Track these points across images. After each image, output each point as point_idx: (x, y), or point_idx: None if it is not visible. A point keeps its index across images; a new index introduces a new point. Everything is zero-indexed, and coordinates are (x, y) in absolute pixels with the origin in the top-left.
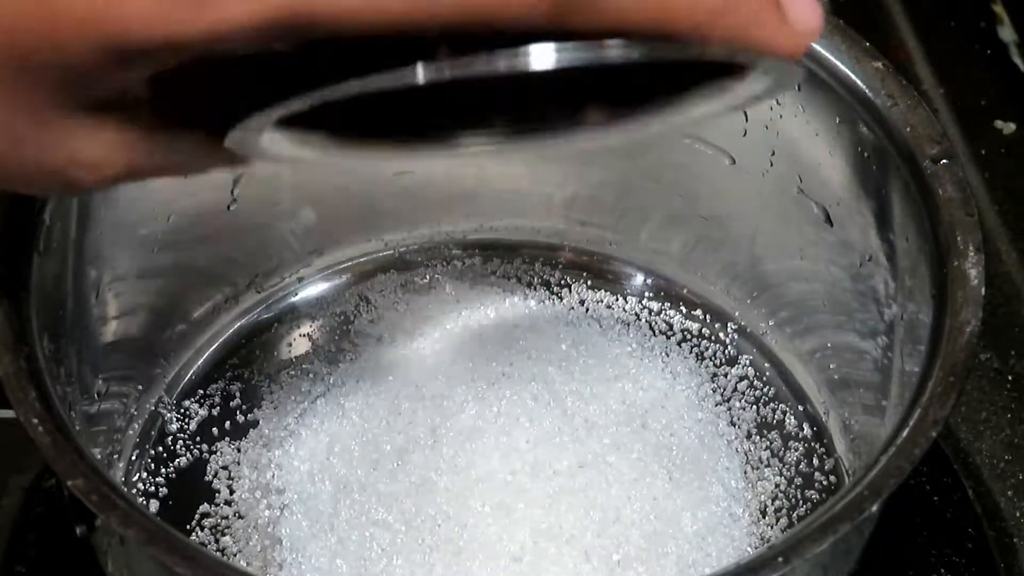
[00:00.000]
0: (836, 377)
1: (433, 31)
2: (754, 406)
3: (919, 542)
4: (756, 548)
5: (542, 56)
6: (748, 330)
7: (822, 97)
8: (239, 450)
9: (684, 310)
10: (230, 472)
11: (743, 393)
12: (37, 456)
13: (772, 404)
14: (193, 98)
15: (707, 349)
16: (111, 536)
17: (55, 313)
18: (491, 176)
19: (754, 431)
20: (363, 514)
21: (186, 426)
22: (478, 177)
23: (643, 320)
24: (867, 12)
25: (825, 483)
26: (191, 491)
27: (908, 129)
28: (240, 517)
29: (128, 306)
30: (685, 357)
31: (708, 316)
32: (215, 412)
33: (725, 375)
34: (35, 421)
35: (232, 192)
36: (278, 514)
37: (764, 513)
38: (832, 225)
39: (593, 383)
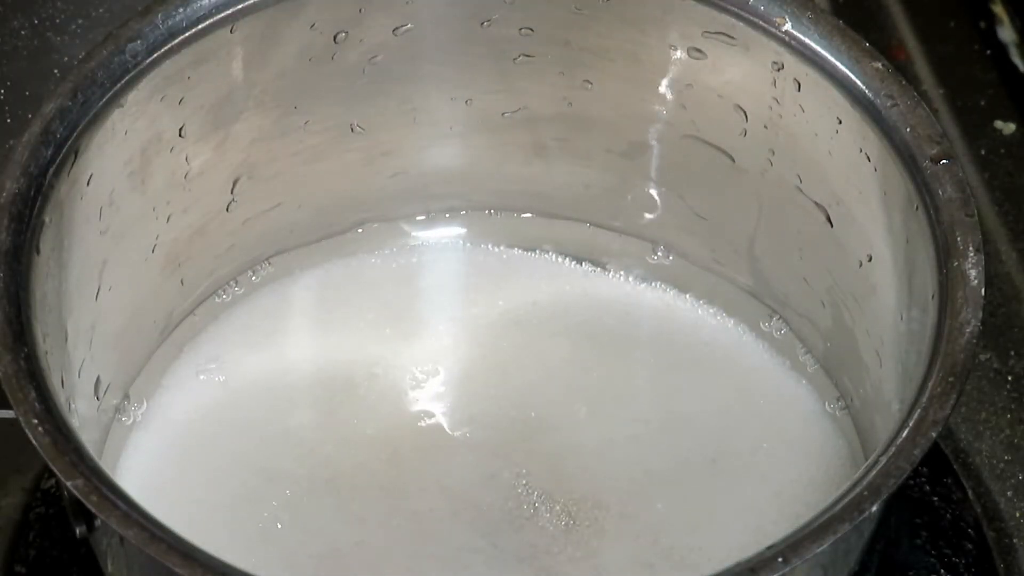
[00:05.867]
0: (835, 377)
1: None
2: None
3: (919, 542)
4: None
5: None
6: (747, 330)
7: (822, 97)
8: None
9: (683, 310)
10: None
11: None
12: (37, 456)
13: None
14: None
15: (706, 350)
16: (111, 536)
17: (55, 313)
18: (488, 177)
19: None
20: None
21: None
22: (475, 177)
23: (642, 320)
24: (867, 12)
25: None
26: None
27: (908, 129)
28: None
29: (128, 306)
30: (685, 358)
31: (707, 316)
32: None
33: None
34: (35, 421)
35: (232, 192)
36: None
37: None
38: (832, 225)
39: (597, 387)
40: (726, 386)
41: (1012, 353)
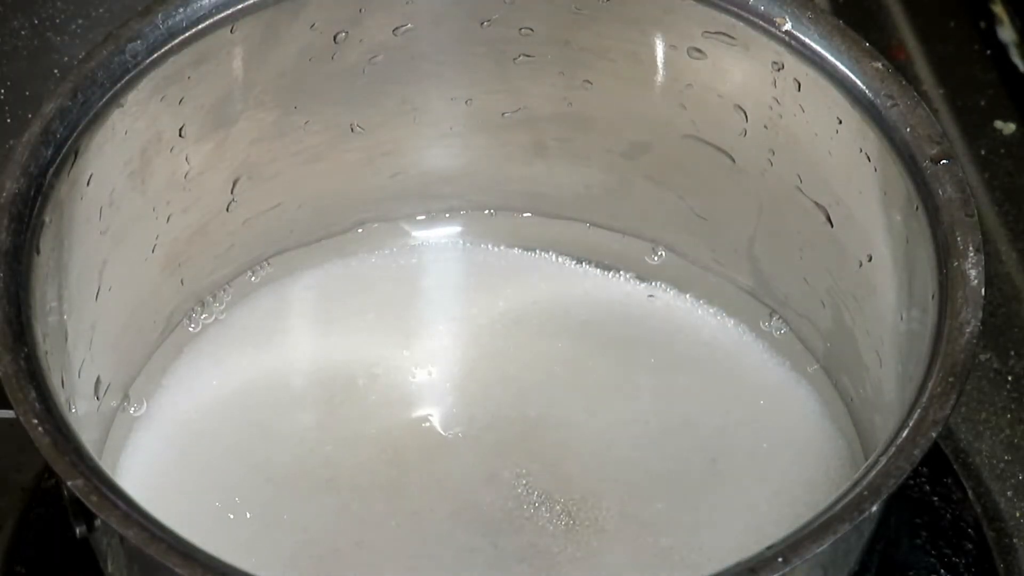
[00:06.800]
0: (835, 377)
1: None
2: None
3: (919, 542)
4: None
5: None
6: (747, 330)
7: (822, 97)
8: None
9: (683, 310)
10: None
11: None
12: (37, 456)
13: None
14: None
15: (706, 350)
16: (111, 536)
17: (55, 313)
18: (488, 177)
19: None
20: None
21: None
22: (475, 177)
23: (642, 320)
24: (867, 12)
25: None
26: None
27: (908, 129)
28: None
29: (128, 306)
30: (685, 358)
31: (707, 316)
32: None
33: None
34: (35, 421)
35: (232, 192)
36: None
37: None
38: (832, 225)
39: (597, 387)
40: (726, 386)
41: (1012, 353)
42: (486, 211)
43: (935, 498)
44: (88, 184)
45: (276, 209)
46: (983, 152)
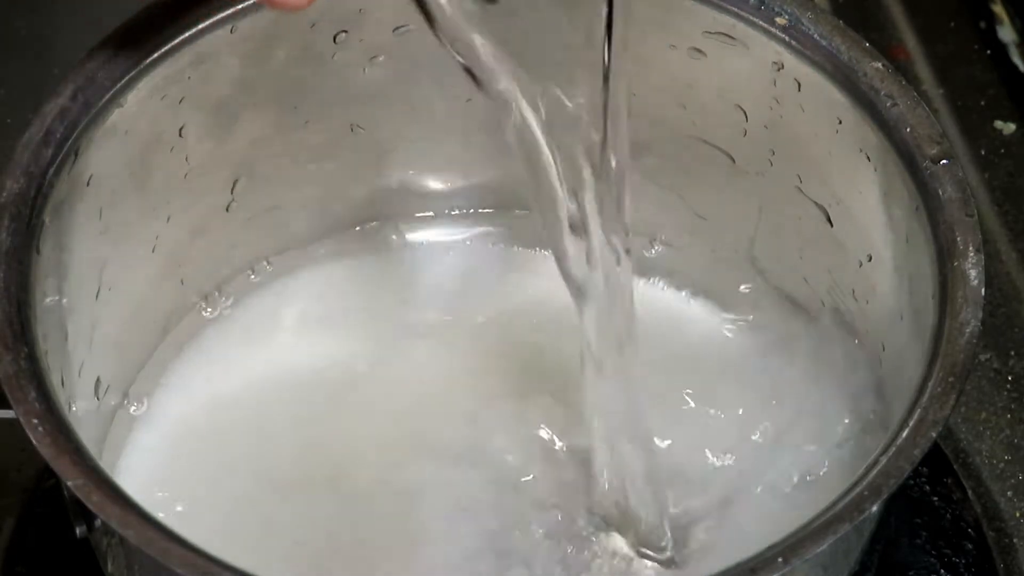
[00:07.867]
0: (835, 377)
1: None
2: None
3: (919, 542)
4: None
5: None
6: (746, 328)
7: (822, 97)
8: None
9: (682, 309)
10: None
11: None
12: (37, 456)
13: None
14: None
15: (705, 349)
16: (111, 536)
17: (55, 313)
18: (488, 177)
19: None
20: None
21: None
22: (475, 177)
23: (641, 319)
24: (867, 12)
25: None
26: None
27: (908, 129)
28: None
29: (128, 306)
30: (684, 357)
31: (706, 315)
32: None
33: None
34: (35, 421)
35: (232, 192)
36: None
37: None
38: (832, 225)
39: None
40: (725, 385)
41: (1012, 353)
42: (486, 211)
43: (935, 498)
44: (88, 184)
45: (276, 209)
46: (983, 152)
